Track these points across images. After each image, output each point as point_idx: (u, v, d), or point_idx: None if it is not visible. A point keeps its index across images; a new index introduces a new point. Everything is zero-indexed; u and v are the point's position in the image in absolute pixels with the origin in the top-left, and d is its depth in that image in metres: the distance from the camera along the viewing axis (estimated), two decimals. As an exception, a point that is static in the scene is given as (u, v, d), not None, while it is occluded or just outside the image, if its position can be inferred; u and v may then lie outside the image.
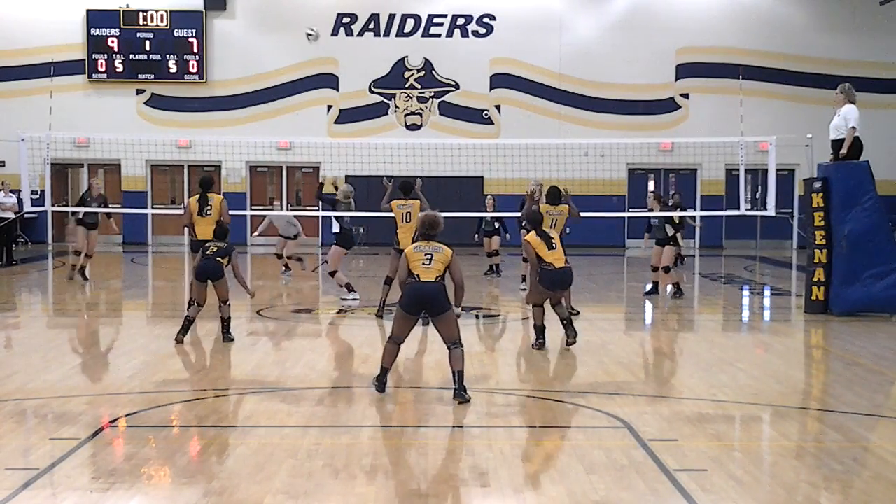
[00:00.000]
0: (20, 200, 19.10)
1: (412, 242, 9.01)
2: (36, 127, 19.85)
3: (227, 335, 10.98)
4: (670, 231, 15.57)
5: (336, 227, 14.82)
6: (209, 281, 10.92)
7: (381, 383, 8.28)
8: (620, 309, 15.32)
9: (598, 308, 14.85)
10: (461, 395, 7.93)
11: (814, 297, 13.53)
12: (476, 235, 19.43)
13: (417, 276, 8.05)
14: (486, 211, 19.24)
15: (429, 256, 8.09)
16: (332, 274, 14.65)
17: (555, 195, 12.91)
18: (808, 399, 8.70)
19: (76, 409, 7.69)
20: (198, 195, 12.61)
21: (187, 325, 10.89)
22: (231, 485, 5.82)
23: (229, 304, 11.07)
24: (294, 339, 11.64)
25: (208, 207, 12.43)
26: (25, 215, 21.63)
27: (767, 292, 17.21)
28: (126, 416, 7.51)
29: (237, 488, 5.76)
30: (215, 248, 11.02)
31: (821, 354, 11.42)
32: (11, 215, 20.45)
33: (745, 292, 17.40)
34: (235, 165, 26.67)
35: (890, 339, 11.57)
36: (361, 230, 25.69)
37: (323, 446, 6.71)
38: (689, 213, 22.36)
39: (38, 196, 19.26)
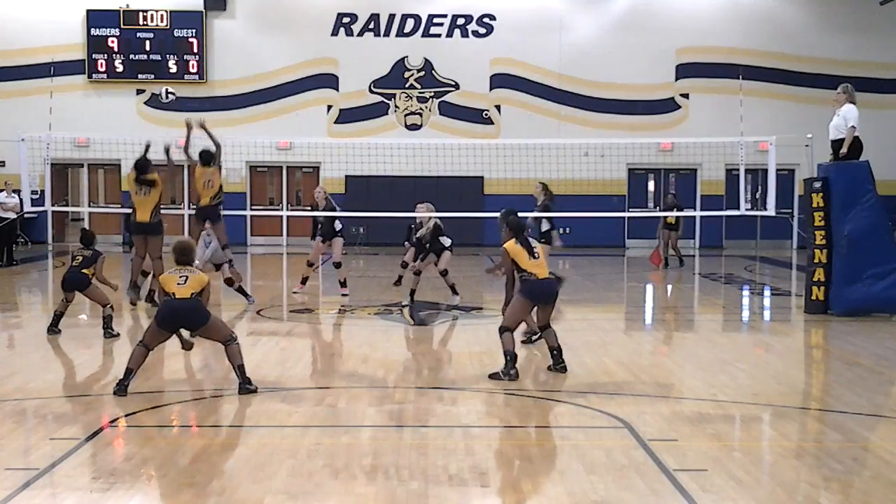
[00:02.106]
0: (21, 200, 19.11)
1: None
2: (36, 127, 19.85)
3: (108, 332, 11.16)
4: (545, 227, 15.36)
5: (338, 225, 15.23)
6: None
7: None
8: (620, 309, 15.32)
9: (598, 308, 14.86)
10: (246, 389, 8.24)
11: (814, 297, 13.53)
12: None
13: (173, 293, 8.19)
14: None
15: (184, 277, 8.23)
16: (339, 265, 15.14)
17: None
18: (808, 399, 8.70)
19: (76, 409, 7.70)
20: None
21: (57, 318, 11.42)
22: (231, 485, 5.82)
23: (111, 306, 11.35)
24: (294, 339, 11.64)
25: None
26: (25, 215, 21.62)
27: (767, 292, 17.21)
28: (126, 416, 7.51)
29: (237, 488, 5.77)
30: (81, 259, 11.26)
31: (821, 354, 11.42)
32: (13, 215, 20.45)
33: (745, 292, 17.39)
34: (235, 165, 26.62)
35: (890, 339, 11.57)
36: (361, 230, 25.74)
37: (323, 446, 6.71)
38: (688, 212, 22.39)
39: (38, 196, 19.26)
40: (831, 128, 13.58)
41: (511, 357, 8.99)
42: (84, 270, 11.23)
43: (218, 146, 14.25)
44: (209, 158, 14.14)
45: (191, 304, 8.17)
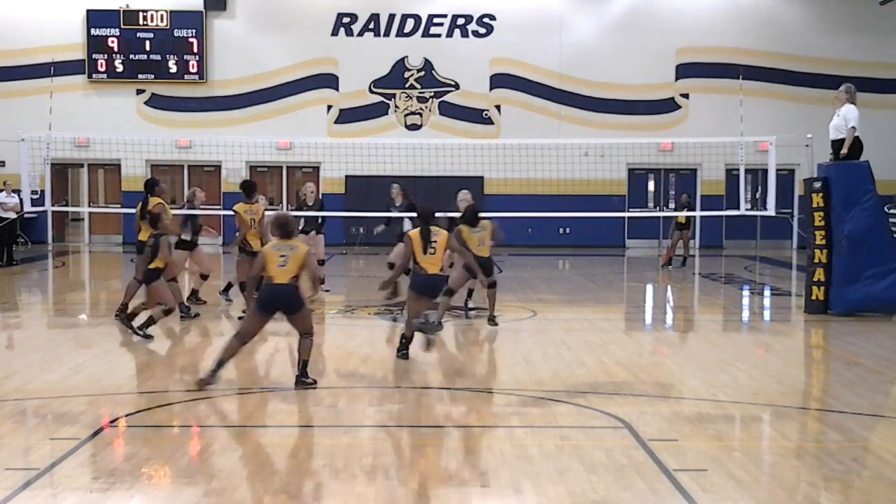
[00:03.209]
0: (21, 200, 19.11)
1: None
2: (36, 127, 19.86)
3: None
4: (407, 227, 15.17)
5: None
6: None
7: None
8: (620, 309, 15.32)
9: (598, 308, 14.86)
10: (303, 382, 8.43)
11: (814, 297, 13.52)
12: None
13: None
14: None
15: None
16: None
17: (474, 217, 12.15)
18: (808, 399, 8.70)
19: (76, 409, 7.69)
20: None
21: None
22: (231, 485, 5.82)
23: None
24: (294, 340, 11.61)
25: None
26: (25, 215, 21.62)
27: (767, 292, 17.20)
28: (126, 416, 7.52)
29: (237, 488, 5.77)
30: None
31: (821, 354, 11.43)
32: (13, 215, 20.45)
33: (745, 292, 17.39)
34: (235, 165, 26.66)
35: (890, 339, 11.57)
36: (361, 230, 25.72)
37: (323, 446, 6.72)
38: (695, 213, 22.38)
39: (38, 196, 19.26)
40: (831, 128, 13.58)
41: (404, 339, 9.89)
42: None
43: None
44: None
45: (289, 289, 8.37)
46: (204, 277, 13.94)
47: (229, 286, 14.17)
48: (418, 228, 9.80)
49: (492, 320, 12.22)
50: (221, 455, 6.51)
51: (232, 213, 13.01)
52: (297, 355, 8.68)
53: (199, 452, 6.56)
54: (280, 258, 8.37)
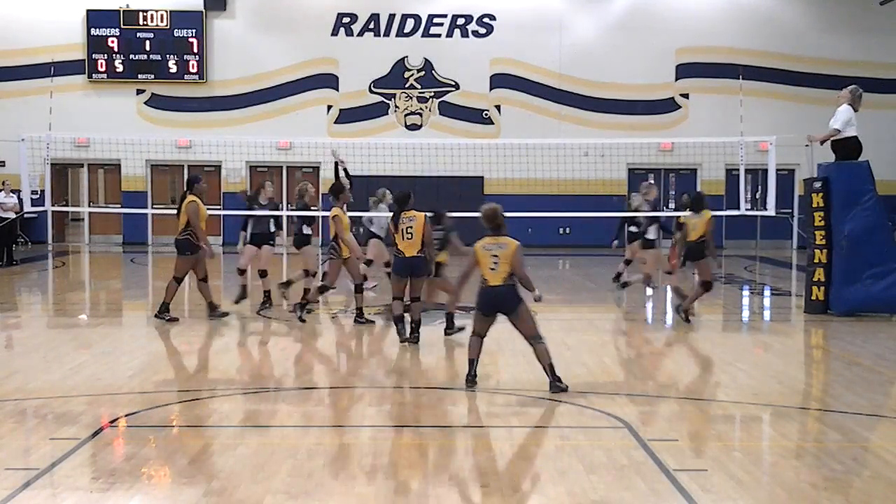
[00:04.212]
0: (20, 200, 19.11)
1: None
2: (36, 127, 19.85)
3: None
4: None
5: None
6: None
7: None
8: (620, 309, 15.31)
9: (598, 308, 14.85)
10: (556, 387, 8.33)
11: (814, 297, 13.52)
12: None
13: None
14: None
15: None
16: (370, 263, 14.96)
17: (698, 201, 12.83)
18: (808, 399, 8.70)
19: (76, 409, 7.69)
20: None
21: None
22: (231, 485, 5.82)
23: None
24: (294, 340, 11.63)
25: None
26: (25, 215, 21.63)
27: (767, 292, 17.20)
28: (126, 416, 7.51)
29: (237, 488, 5.77)
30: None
31: (821, 354, 11.42)
32: (12, 215, 20.45)
33: (745, 292, 17.39)
34: (235, 165, 26.67)
35: (890, 339, 11.57)
36: (361, 230, 25.72)
37: (323, 446, 6.72)
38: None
39: (38, 196, 19.26)
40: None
41: (397, 320, 10.91)
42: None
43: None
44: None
45: (503, 290, 8.40)
46: (308, 274, 13.83)
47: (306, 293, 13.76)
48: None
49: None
50: (221, 455, 6.51)
51: (329, 216, 12.38)
52: (540, 363, 8.45)
53: (199, 452, 6.56)
54: (492, 260, 8.38)
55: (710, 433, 7.16)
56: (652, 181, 19.24)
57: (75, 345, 11.11)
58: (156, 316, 12.37)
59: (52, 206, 18.97)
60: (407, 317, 11.05)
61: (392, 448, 6.75)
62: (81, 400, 8.02)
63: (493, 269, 8.39)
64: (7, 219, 20.24)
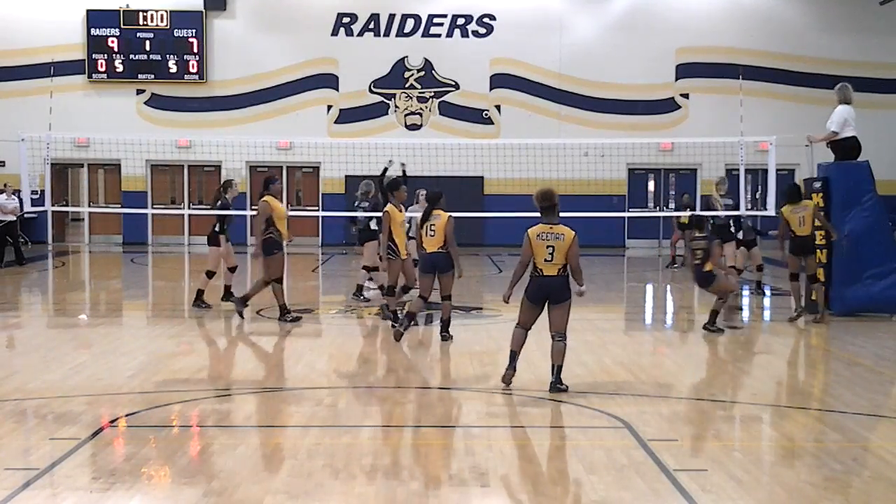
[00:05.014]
0: (20, 201, 19.09)
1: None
2: (36, 127, 19.83)
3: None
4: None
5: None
6: None
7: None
8: (620, 309, 15.32)
9: (598, 308, 14.85)
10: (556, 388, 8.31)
11: (814, 297, 13.51)
12: None
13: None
14: None
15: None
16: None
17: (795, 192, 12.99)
18: (808, 399, 8.70)
19: (76, 409, 7.69)
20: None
21: None
22: (231, 485, 5.82)
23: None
24: (294, 339, 11.63)
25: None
26: (25, 215, 21.61)
27: (767, 292, 17.18)
28: (126, 416, 7.51)
29: (237, 488, 5.77)
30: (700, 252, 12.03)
31: (821, 354, 11.42)
32: (13, 218, 20.42)
33: (745, 292, 17.38)
34: (235, 165, 26.65)
35: (890, 339, 11.57)
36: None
37: (323, 446, 6.71)
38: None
39: (38, 196, 19.25)
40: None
41: (404, 314, 11.17)
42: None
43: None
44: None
45: (556, 281, 8.37)
46: (369, 270, 14.60)
47: (360, 288, 14.67)
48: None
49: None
50: (221, 455, 6.51)
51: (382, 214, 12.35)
52: (551, 360, 8.43)
53: (199, 452, 6.56)
54: (548, 251, 8.35)
55: (709, 433, 7.17)
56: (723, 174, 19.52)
57: (75, 345, 11.11)
58: (279, 320, 12.33)
59: (52, 206, 18.95)
60: (408, 311, 11.12)
61: (392, 448, 6.75)
62: (81, 400, 8.02)
63: (548, 259, 8.35)
64: (7, 221, 20.22)
